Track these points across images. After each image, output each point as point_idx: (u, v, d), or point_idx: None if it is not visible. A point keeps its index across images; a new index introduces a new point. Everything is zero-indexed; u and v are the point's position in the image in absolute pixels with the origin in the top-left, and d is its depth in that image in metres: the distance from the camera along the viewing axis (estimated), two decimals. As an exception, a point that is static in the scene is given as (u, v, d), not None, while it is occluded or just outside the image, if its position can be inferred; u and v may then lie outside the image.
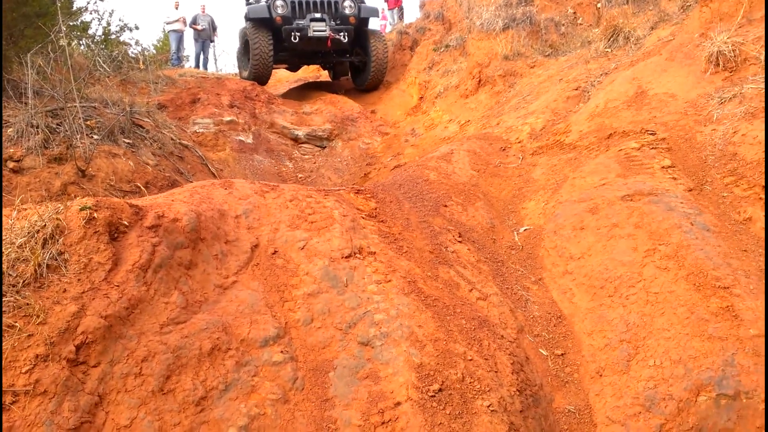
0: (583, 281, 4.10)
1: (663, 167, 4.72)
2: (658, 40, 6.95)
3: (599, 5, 9.81)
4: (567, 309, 4.03)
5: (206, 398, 2.79)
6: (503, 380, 3.30)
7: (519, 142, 6.47)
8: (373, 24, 12.33)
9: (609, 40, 8.09)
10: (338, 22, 11.00)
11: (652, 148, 4.96)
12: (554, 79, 7.93)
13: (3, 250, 2.78)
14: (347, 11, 11.05)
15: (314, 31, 10.72)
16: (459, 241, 4.55)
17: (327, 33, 10.75)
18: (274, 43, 10.89)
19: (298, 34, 10.67)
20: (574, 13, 10.25)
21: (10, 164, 5.21)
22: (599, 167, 5.00)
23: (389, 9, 16.68)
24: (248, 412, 2.80)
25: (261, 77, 11.21)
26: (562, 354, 3.74)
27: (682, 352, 3.27)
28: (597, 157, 5.23)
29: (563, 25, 10.01)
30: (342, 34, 10.87)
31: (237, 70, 14.10)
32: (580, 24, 9.99)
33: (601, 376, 3.50)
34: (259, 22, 10.85)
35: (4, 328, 2.52)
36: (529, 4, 10.53)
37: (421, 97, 11.04)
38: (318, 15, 10.90)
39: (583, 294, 4.02)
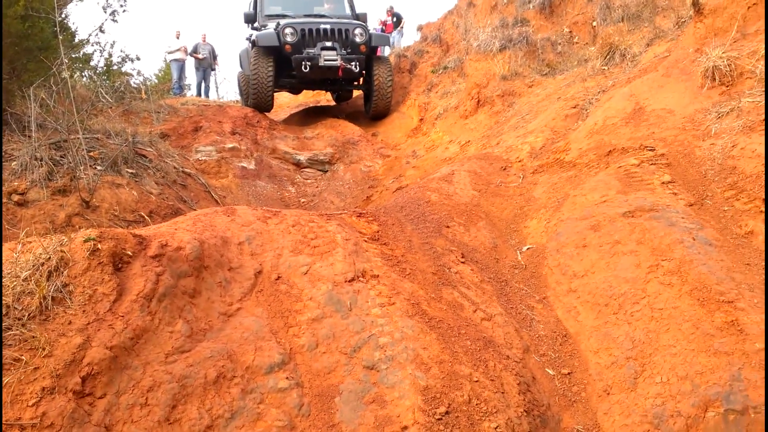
0: (588, 299, 4.09)
1: (663, 183, 4.74)
2: (654, 57, 7.02)
3: (594, 23, 9.92)
4: (572, 327, 4.02)
5: (212, 427, 2.78)
6: (510, 401, 3.29)
7: (519, 161, 6.50)
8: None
9: (605, 57, 8.17)
10: (349, 50, 10.76)
11: (652, 164, 4.99)
12: (552, 97, 7.99)
13: (9, 284, 2.80)
14: (358, 39, 10.80)
15: (325, 60, 10.48)
16: (462, 262, 4.55)
17: (338, 62, 10.51)
18: (276, 69, 10.70)
19: (308, 63, 10.43)
20: (570, 32, 10.36)
21: (15, 197, 5.26)
22: (600, 184, 5.02)
23: (387, 33, 16.89)
24: (255, 440, 2.79)
25: (262, 105, 11.03)
26: (569, 373, 3.72)
27: (689, 368, 3.26)
28: (597, 174, 5.25)
29: (560, 44, 10.11)
30: (353, 63, 10.64)
31: (238, 98, 14.21)
32: (576, 43, 10.09)
33: (608, 394, 3.48)
34: (266, 49, 10.65)
35: (10, 361, 2.53)
36: (525, 24, 10.66)
37: (421, 119, 11.11)
38: (329, 44, 10.63)
39: (588, 312, 4.01)
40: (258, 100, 10.89)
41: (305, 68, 10.44)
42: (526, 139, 6.90)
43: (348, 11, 12.19)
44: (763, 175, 4.33)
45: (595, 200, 4.85)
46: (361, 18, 11.90)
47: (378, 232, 4.59)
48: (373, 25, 17.37)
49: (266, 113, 11.25)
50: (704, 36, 5.99)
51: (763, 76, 5.08)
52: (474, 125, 9.19)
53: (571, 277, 4.34)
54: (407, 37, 17.77)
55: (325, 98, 15.22)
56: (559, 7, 11.00)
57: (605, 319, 3.88)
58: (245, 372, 3.08)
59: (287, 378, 3.14)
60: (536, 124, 7.25)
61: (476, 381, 3.30)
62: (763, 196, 4.23)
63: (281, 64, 10.75)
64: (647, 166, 4.99)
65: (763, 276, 3.76)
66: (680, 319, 3.53)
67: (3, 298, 2.72)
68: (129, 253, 3.23)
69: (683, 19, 7.58)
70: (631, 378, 3.44)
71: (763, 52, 5.19)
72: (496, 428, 3.07)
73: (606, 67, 7.98)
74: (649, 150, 5.18)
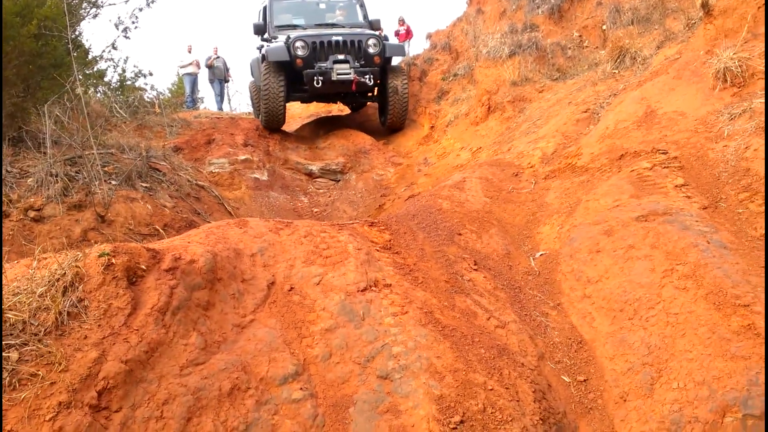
0: (602, 305, 4.06)
1: (676, 186, 4.70)
2: (665, 59, 6.98)
3: (604, 27, 9.90)
4: (587, 334, 3.99)
5: (227, 439, 2.79)
6: (525, 409, 3.27)
7: (531, 167, 6.48)
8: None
9: (616, 61, 8.14)
10: (363, 62, 10.24)
11: (665, 167, 4.95)
12: (563, 102, 7.97)
13: (25, 300, 2.83)
14: (371, 50, 10.26)
15: (338, 74, 9.97)
16: (475, 269, 4.54)
17: (352, 76, 10.01)
18: (288, 84, 10.29)
19: (321, 78, 9.92)
20: (580, 36, 10.34)
21: (31, 213, 5.33)
22: (612, 189, 4.99)
23: (400, 42, 16.95)
24: (269, 452, 2.80)
25: (273, 123, 10.63)
26: (584, 380, 3.69)
27: (706, 373, 3.21)
28: (609, 178, 5.22)
29: (569, 48, 10.10)
30: (367, 76, 10.11)
31: (250, 109, 14.29)
32: (587, 47, 10.07)
33: (625, 401, 3.45)
34: (276, 64, 10.19)
35: (27, 377, 2.56)
36: (534, 30, 10.66)
37: (432, 127, 11.13)
38: (341, 56, 10.09)
39: (603, 318, 3.98)
40: (269, 119, 10.50)
41: (317, 83, 9.96)
42: (538, 145, 6.88)
43: (361, 18, 11.79)
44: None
45: (608, 205, 4.82)
46: (375, 25, 11.53)
47: (390, 241, 4.59)
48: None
49: (278, 126, 11.18)
50: (715, 37, 5.95)
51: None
52: (485, 132, 9.19)
53: (585, 282, 4.31)
54: (414, 47, 17.49)
55: (337, 108, 15.29)
56: (569, 12, 11.00)
57: (620, 324, 3.84)
58: (259, 383, 3.09)
59: (301, 389, 3.15)
60: (547, 130, 7.23)
61: (491, 389, 3.28)
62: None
63: (293, 77, 10.33)
64: (660, 169, 4.95)
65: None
66: (696, 324, 3.49)
67: (20, 314, 2.76)
68: (143, 267, 3.26)
69: (693, 21, 7.53)
70: (647, 384, 3.41)
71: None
72: (511, 437, 3.05)
73: (617, 71, 7.95)
74: (662, 153, 5.14)
